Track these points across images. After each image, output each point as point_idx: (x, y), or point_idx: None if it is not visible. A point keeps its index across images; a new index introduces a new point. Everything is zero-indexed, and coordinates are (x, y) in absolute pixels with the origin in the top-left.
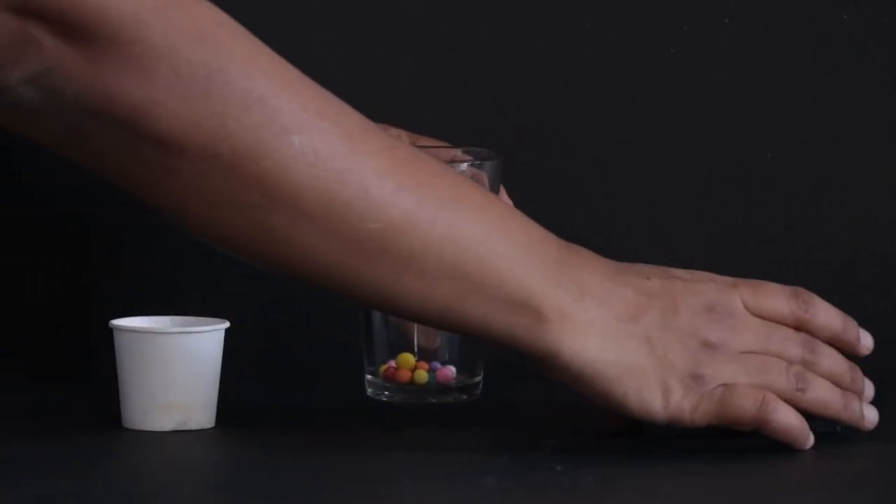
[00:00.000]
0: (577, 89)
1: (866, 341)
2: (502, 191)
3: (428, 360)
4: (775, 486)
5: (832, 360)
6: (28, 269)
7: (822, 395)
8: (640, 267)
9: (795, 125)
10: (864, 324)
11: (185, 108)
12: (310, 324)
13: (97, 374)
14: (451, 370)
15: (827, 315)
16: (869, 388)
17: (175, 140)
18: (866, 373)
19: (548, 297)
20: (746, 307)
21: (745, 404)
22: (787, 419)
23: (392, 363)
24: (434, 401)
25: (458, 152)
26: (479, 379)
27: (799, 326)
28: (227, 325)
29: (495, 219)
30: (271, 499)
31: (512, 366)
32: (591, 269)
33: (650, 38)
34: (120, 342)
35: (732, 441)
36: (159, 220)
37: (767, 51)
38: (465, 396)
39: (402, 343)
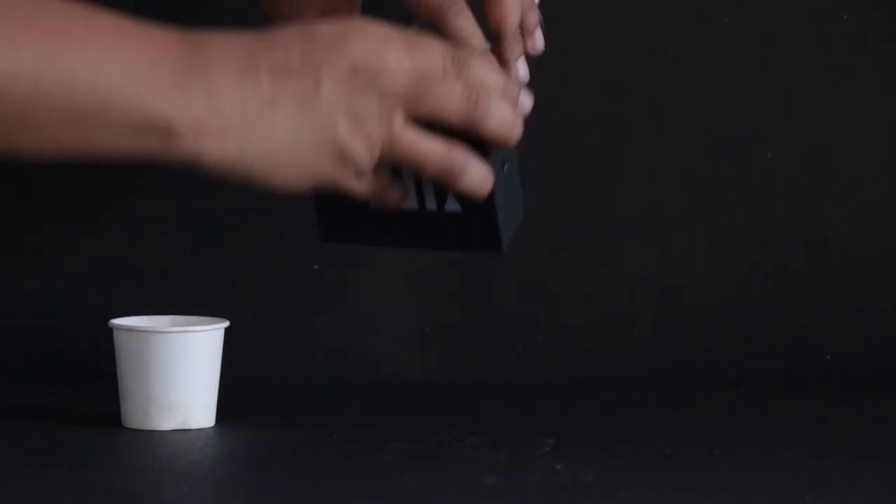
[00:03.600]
0: (578, 89)
1: (525, 103)
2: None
3: None
4: (775, 486)
5: (503, 110)
6: (28, 268)
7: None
8: (281, 37)
9: (795, 125)
10: (864, 323)
11: None
12: (309, 323)
13: (97, 374)
14: None
15: (483, 73)
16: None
17: None
18: (869, 374)
19: (175, 112)
20: (400, 61)
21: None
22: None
23: None
24: None
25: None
26: None
27: (448, 79)
28: (226, 324)
29: (105, 47)
30: (271, 499)
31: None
32: (220, 65)
33: (650, 38)
34: (120, 342)
35: (732, 441)
36: (160, 220)
37: (767, 51)
38: None
39: None
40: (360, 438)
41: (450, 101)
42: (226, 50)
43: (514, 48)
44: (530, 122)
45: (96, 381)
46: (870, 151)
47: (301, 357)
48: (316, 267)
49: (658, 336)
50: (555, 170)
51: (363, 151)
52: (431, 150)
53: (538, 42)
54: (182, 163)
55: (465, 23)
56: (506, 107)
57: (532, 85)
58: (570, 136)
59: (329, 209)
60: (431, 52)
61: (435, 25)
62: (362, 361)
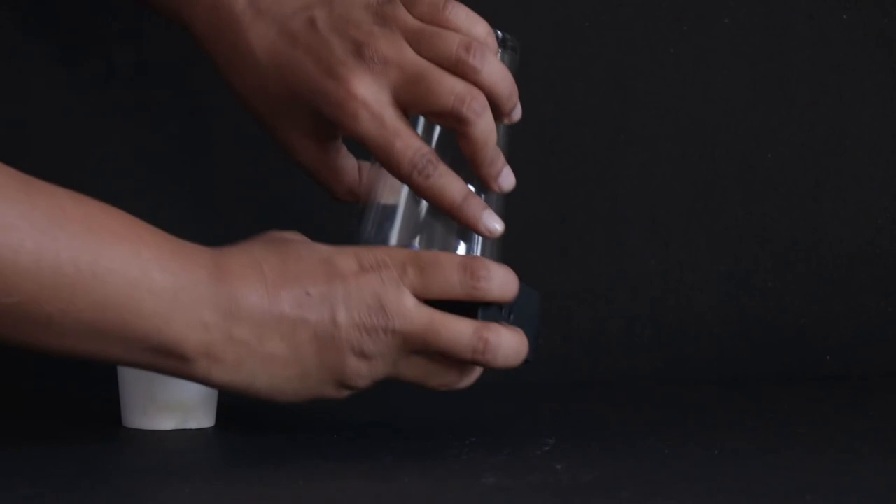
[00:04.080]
0: (578, 89)
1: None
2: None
3: None
4: (774, 486)
5: (509, 346)
6: None
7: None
8: (301, 272)
9: (795, 125)
10: (864, 323)
11: None
12: None
13: (97, 374)
14: None
15: (500, 286)
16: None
17: None
18: (869, 374)
19: (192, 345)
20: (415, 293)
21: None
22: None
23: None
24: None
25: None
26: None
27: (469, 299)
28: None
29: (140, 273)
30: (271, 499)
31: None
32: (242, 299)
33: (650, 38)
34: None
35: (732, 441)
36: (160, 220)
37: (767, 51)
38: None
39: None
40: (360, 438)
41: (458, 343)
42: (251, 282)
43: (492, 172)
44: (531, 121)
45: (96, 381)
46: (870, 151)
47: None
48: None
49: (658, 336)
50: (555, 169)
51: (365, 383)
52: (434, 374)
53: (505, 184)
54: (192, 381)
55: (440, 180)
56: (512, 337)
57: (533, 84)
58: (570, 136)
59: None
60: (445, 274)
61: (411, 186)
62: None
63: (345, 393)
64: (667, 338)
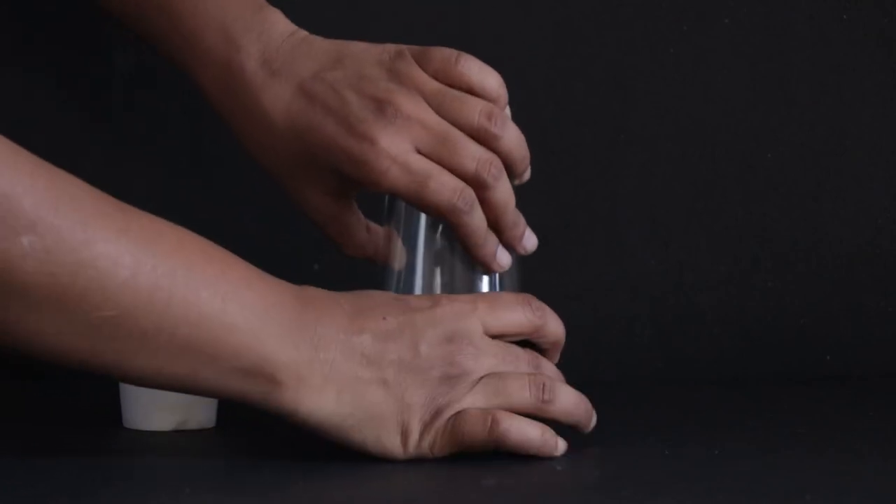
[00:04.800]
0: (578, 89)
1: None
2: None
3: None
4: (774, 486)
5: (551, 366)
6: None
7: (567, 403)
8: (377, 304)
9: (795, 125)
10: (864, 323)
11: None
12: None
13: (97, 374)
14: None
15: (554, 316)
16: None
17: None
18: (869, 374)
19: (281, 363)
20: (485, 327)
21: (475, 429)
22: (522, 434)
23: None
24: None
25: None
26: None
27: (534, 332)
28: None
29: (231, 289)
30: (271, 499)
31: None
32: (326, 323)
33: (650, 38)
34: None
35: (732, 441)
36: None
37: (767, 51)
38: None
39: None
40: None
41: (518, 366)
42: (332, 309)
43: (516, 235)
44: (529, 122)
45: (96, 381)
46: (870, 151)
47: None
48: (316, 267)
49: (658, 336)
50: (555, 170)
51: (449, 408)
52: (507, 387)
53: (528, 245)
54: (279, 414)
55: (474, 220)
56: (569, 391)
57: (534, 83)
58: (570, 136)
59: None
60: (513, 308)
61: (449, 223)
62: None
63: (429, 435)
64: (667, 338)
